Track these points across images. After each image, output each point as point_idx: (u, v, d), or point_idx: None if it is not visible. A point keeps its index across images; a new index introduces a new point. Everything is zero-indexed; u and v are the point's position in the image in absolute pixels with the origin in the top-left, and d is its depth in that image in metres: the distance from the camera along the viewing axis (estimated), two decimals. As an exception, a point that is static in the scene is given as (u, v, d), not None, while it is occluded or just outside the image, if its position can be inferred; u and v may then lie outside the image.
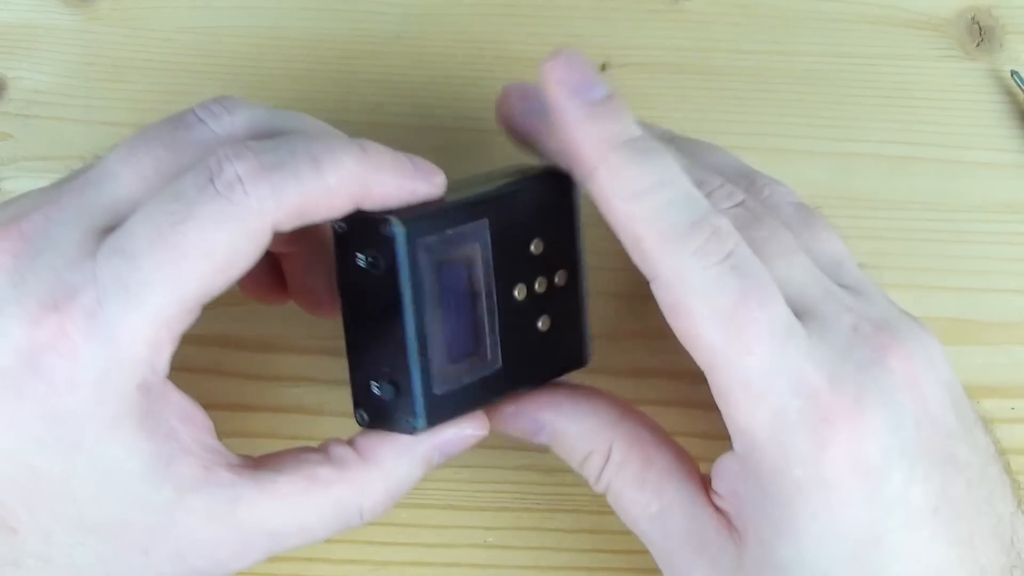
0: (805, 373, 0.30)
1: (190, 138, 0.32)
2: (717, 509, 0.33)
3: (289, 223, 0.30)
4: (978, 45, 0.47)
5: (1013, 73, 0.46)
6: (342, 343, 0.41)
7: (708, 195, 0.33)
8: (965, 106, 0.46)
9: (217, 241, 0.30)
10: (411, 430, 0.32)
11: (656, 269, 0.31)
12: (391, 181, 0.32)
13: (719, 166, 0.36)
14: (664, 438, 0.35)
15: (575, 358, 0.37)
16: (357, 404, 0.33)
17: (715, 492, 0.33)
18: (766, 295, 0.30)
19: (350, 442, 0.34)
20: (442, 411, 0.33)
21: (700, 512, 0.33)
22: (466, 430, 0.34)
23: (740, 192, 0.34)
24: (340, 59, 0.46)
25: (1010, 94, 0.46)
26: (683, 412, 0.40)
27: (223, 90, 0.46)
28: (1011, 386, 0.42)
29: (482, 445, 0.40)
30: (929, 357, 0.32)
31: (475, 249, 0.33)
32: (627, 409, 0.35)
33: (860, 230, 0.41)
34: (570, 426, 0.35)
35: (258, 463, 0.33)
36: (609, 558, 0.38)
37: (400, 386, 0.32)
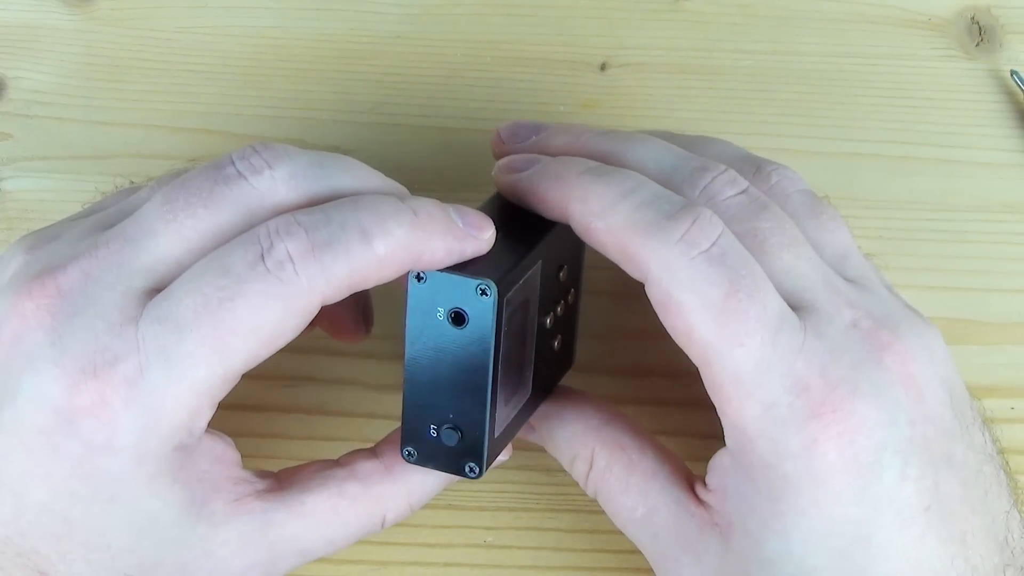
0: (797, 367, 0.30)
1: (230, 195, 0.31)
2: (703, 505, 0.33)
3: (338, 295, 0.30)
4: (978, 45, 0.47)
5: (1013, 73, 0.46)
6: (342, 343, 0.41)
7: (711, 181, 0.33)
8: (965, 106, 0.46)
9: (265, 319, 0.29)
10: (472, 475, 0.33)
11: (645, 267, 0.31)
12: (442, 246, 0.31)
13: (722, 155, 0.36)
14: (647, 441, 0.35)
15: (568, 362, 0.37)
16: (407, 442, 0.33)
17: (706, 488, 0.33)
18: (756, 286, 0.30)
19: (375, 451, 0.34)
20: (495, 452, 0.34)
21: (683, 510, 0.33)
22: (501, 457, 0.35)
23: (744, 179, 0.34)
24: (340, 59, 0.46)
25: (1010, 94, 0.46)
26: (682, 412, 0.40)
27: (223, 90, 0.46)
28: (1011, 386, 0.42)
29: (482, 445, 0.40)
30: (929, 354, 0.32)
31: (531, 293, 0.33)
32: (611, 414, 0.35)
33: (860, 230, 0.40)
34: (555, 430, 0.36)
35: (284, 483, 0.33)
36: (609, 558, 0.38)
37: (465, 434, 0.32)
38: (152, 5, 0.47)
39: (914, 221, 0.44)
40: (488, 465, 0.33)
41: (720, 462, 0.32)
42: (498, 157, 0.36)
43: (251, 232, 0.30)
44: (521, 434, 0.36)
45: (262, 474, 0.33)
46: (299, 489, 0.33)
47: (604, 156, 0.34)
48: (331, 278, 0.30)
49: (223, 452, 0.32)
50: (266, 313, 0.29)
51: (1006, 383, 0.42)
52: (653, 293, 0.31)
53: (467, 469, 0.33)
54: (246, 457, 0.39)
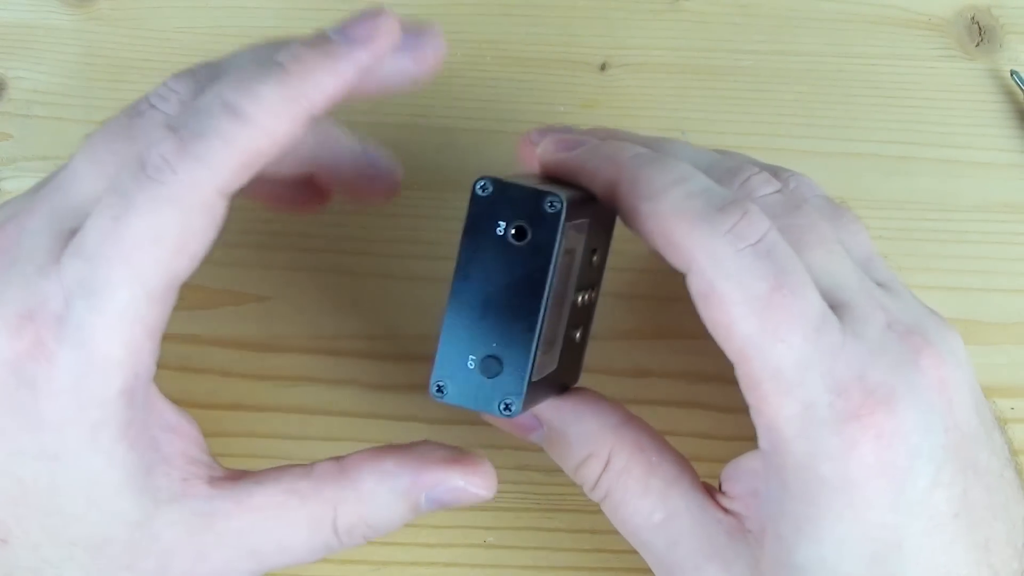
0: (838, 368, 0.30)
1: (143, 125, 0.31)
2: (727, 513, 0.32)
3: (239, 180, 0.29)
4: (978, 45, 0.47)
5: (1013, 73, 0.46)
6: (342, 343, 0.41)
7: (745, 180, 0.33)
8: (965, 106, 0.46)
9: (162, 226, 0.29)
10: (507, 411, 0.31)
11: (690, 256, 0.30)
12: (330, 80, 0.30)
13: (741, 162, 0.35)
14: (665, 445, 0.34)
15: (575, 375, 0.37)
16: (440, 375, 0.31)
17: (726, 495, 0.32)
18: (801, 282, 0.30)
19: (340, 458, 0.33)
20: (530, 400, 0.32)
21: (710, 517, 0.32)
22: (473, 486, 0.32)
23: (776, 181, 0.33)
24: (340, 59, 0.46)
25: (1010, 94, 0.46)
26: (683, 412, 0.40)
27: (223, 90, 0.46)
28: (1011, 386, 0.42)
29: (482, 445, 0.40)
30: (957, 360, 0.31)
31: (578, 245, 0.33)
32: (628, 415, 0.35)
33: (860, 230, 0.41)
34: (569, 427, 0.34)
35: (240, 477, 0.32)
36: (609, 558, 0.38)
37: (505, 364, 0.31)
38: (152, 5, 0.47)
39: (914, 221, 0.44)
40: (525, 406, 0.31)
41: (748, 466, 0.32)
42: (527, 157, 0.36)
43: (131, 146, 0.30)
44: (523, 433, 0.35)
45: (227, 469, 0.32)
46: (252, 482, 0.32)
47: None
48: (214, 166, 0.29)
49: (179, 425, 0.31)
50: (160, 220, 0.29)
51: (1006, 383, 0.42)
52: (695, 283, 0.30)
53: (501, 406, 0.31)
54: (246, 457, 0.39)
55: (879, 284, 0.33)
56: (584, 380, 0.38)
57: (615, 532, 0.35)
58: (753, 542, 0.31)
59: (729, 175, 0.33)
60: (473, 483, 0.32)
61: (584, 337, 0.36)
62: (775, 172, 0.35)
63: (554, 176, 0.34)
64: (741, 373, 0.30)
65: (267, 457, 0.39)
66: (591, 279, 0.35)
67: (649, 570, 0.34)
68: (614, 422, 0.34)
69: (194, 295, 0.42)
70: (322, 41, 0.31)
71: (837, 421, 0.29)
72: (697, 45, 0.47)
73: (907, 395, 0.30)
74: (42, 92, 0.46)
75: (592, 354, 0.38)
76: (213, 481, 0.31)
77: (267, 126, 0.29)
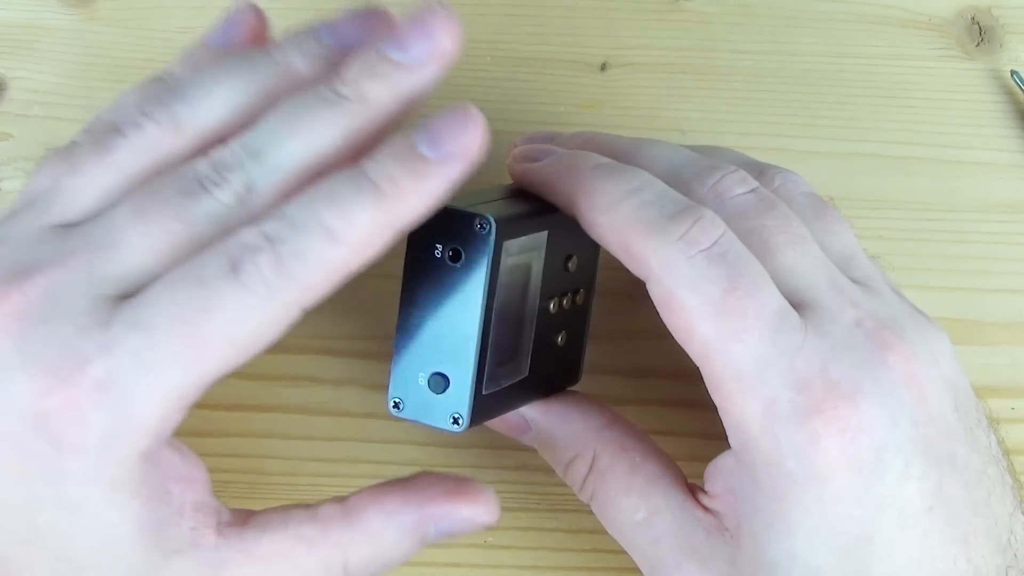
0: (798, 365, 0.30)
1: (201, 212, 0.30)
2: (707, 511, 0.33)
3: (322, 293, 0.30)
4: (978, 45, 0.47)
5: (1013, 73, 0.46)
6: (342, 343, 0.41)
7: (717, 181, 0.33)
8: (965, 106, 0.46)
9: (241, 330, 0.29)
10: (454, 426, 0.33)
11: (646, 266, 0.31)
12: (419, 201, 0.29)
13: (729, 160, 0.36)
14: (649, 446, 0.35)
15: (573, 376, 0.37)
16: (395, 391, 0.33)
17: (707, 494, 0.33)
18: (755, 283, 0.31)
19: (343, 499, 0.33)
20: (482, 413, 0.33)
21: (689, 516, 0.33)
22: (478, 515, 0.32)
23: (753, 180, 0.34)
24: (340, 59, 0.46)
25: (1010, 94, 0.46)
26: (683, 412, 0.40)
27: (223, 90, 0.46)
28: (1011, 386, 0.42)
29: (482, 445, 0.40)
30: (933, 356, 0.32)
31: (534, 258, 0.34)
32: (613, 416, 0.35)
33: (860, 230, 0.40)
34: (555, 428, 0.35)
35: (247, 521, 0.32)
36: (609, 558, 0.38)
37: (451, 380, 0.32)
38: (152, 5, 0.47)
39: (914, 221, 0.44)
40: (473, 420, 0.33)
41: (724, 465, 0.32)
42: (519, 173, 0.36)
43: (222, 244, 0.29)
44: (515, 434, 0.36)
45: (232, 510, 0.32)
46: (258, 528, 0.31)
47: (617, 154, 0.35)
48: (304, 285, 0.29)
49: (189, 472, 0.31)
50: (242, 324, 0.29)
51: (1006, 383, 0.42)
52: (654, 291, 0.31)
53: (450, 419, 0.33)
54: (246, 457, 0.39)
55: (856, 282, 0.33)
56: (586, 380, 0.38)
57: (615, 532, 0.35)
58: (730, 540, 0.32)
59: (700, 177, 0.34)
60: (478, 512, 0.32)
61: (577, 339, 0.37)
62: (762, 170, 0.36)
63: (525, 187, 0.35)
64: (705, 375, 0.31)
65: (267, 457, 0.39)
66: (569, 284, 0.36)
67: (649, 570, 0.34)
68: (599, 423, 0.35)
69: (194, 295, 0.42)
70: (414, 157, 0.29)
71: (799, 416, 0.30)
72: (697, 45, 0.47)
73: (872, 389, 0.30)
74: (42, 92, 0.45)
75: (592, 354, 0.38)
76: (220, 528, 0.31)
77: (361, 249, 0.29)
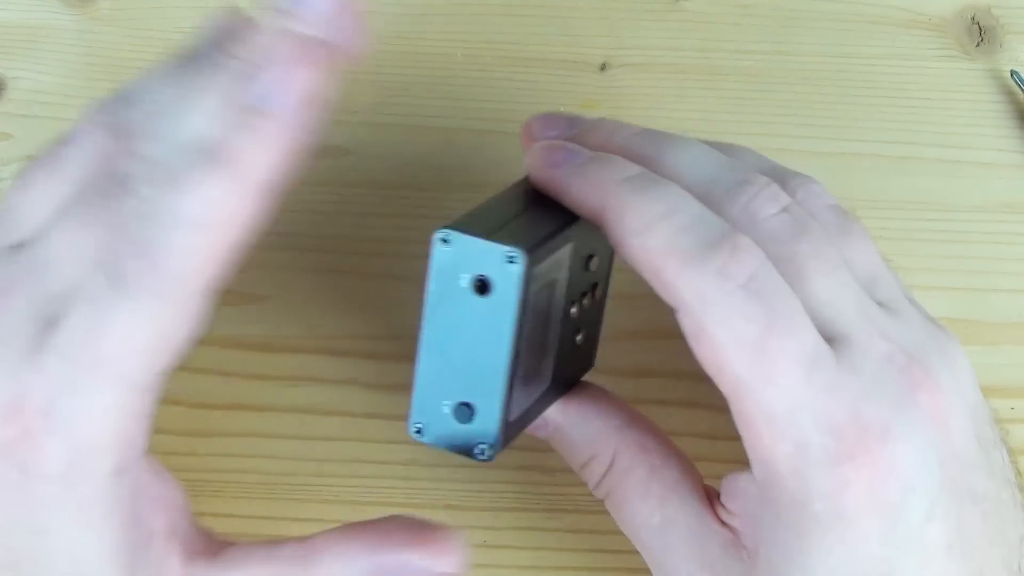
0: (831, 408, 0.29)
1: (119, 212, 0.29)
2: (724, 525, 0.32)
3: (212, 273, 0.28)
4: (978, 45, 0.47)
5: (1013, 73, 0.46)
6: (342, 343, 0.41)
7: (750, 200, 0.32)
8: (965, 106, 0.46)
9: (139, 335, 0.28)
10: (482, 458, 0.31)
11: (679, 296, 0.30)
12: (269, 162, 0.28)
13: (750, 166, 0.35)
14: (669, 448, 0.34)
15: (589, 361, 0.37)
16: (417, 417, 0.32)
17: (725, 508, 0.32)
18: (793, 323, 0.29)
19: (305, 539, 0.32)
20: (508, 437, 0.32)
21: (705, 528, 0.32)
22: (435, 566, 0.31)
23: (785, 194, 0.33)
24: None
25: (1010, 94, 0.46)
26: (683, 412, 0.40)
27: (223, 90, 0.46)
28: (1011, 386, 0.42)
29: (482, 445, 0.40)
30: (957, 384, 0.31)
31: (560, 274, 0.33)
32: (634, 415, 0.35)
33: (860, 230, 0.41)
34: (574, 429, 0.34)
35: (216, 554, 0.31)
36: (609, 558, 0.38)
37: (477, 411, 0.31)
38: (152, 5, 0.47)
39: (914, 221, 0.44)
40: (501, 449, 0.32)
41: (745, 489, 0.32)
42: (530, 154, 0.35)
43: (104, 253, 0.29)
44: (531, 430, 0.35)
45: (205, 535, 0.32)
46: (222, 565, 0.31)
47: (643, 157, 0.33)
48: (183, 276, 0.28)
49: (164, 496, 0.31)
50: (136, 330, 0.28)
51: (1006, 383, 0.42)
52: (685, 323, 0.30)
53: (477, 451, 0.31)
54: (246, 457, 0.39)
55: (881, 304, 0.32)
56: (586, 379, 0.38)
57: (615, 532, 0.35)
58: (747, 559, 0.31)
59: (732, 194, 0.32)
60: (436, 563, 0.31)
61: (594, 330, 0.36)
62: (784, 178, 0.34)
63: (545, 191, 0.33)
64: (734, 410, 0.30)
65: (267, 457, 0.39)
66: (589, 283, 0.35)
67: (648, 571, 0.34)
68: (618, 423, 0.34)
69: (194, 295, 0.42)
70: (248, 117, 0.28)
71: (830, 462, 0.29)
72: (697, 45, 0.47)
73: (903, 431, 0.30)
74: (42, 92, 0.46)
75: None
76: (187, 560, 0.31)
77: (226, 221, 0.28)
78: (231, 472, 0.39)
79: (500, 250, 0.30)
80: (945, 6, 0.48)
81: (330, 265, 0.43)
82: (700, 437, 0.38)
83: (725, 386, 0.30)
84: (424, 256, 0.43)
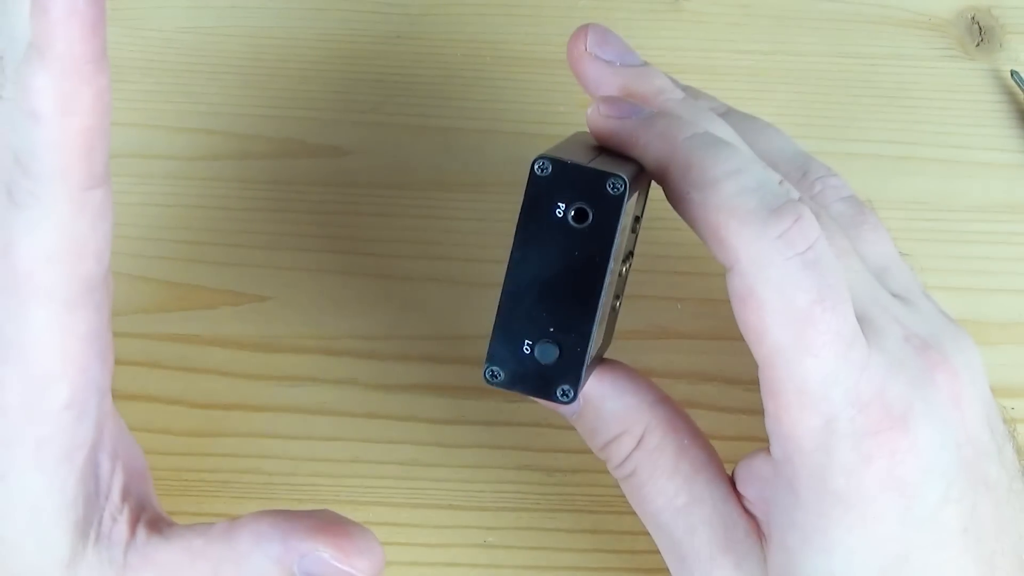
0: (861, 384, 0.29)
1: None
2: (746, 513, 0.32)
3: (90, 167, 0.28)
4: (978, 45, 0.47)
5: (1013, 73, 0.46)
6: (342, 343, 0.41)
7: (815, 181, 0.33)
8: (965, 106, 0.46)
9: (45, 244, 0.29)
10: (565, 400, 0.30)
11: (735, 255, 0.29)
12: (76, 38, 0.27)
13: (774, 151, 0.35)
14: (696, 429, 0.34)
15: (608, 343, 0.36)
16: (494, 361, 0.30)
17: (742, 496, 0.32)
18: (841, 297, 0.29)
19: (235, 518, 0.32)
20: (584, 382, 0.31)
21: (731, 511, 0.32)
22: (345, 559, 0.31)
23: (795, 189, 0.33)
24: (341, 59, 0.46)
25: (1010, 94, 0.46)
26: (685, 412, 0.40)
27: (224, 90, 0.46)
28: (1011, 386, 0.42)
29: (482, 445, 0.40)
30: (972, 374, 0.31)
31: (629, 219, 0.32)
32: (663, 393, 0.34)
33: (860, 230, 0.41)
34: (607, 402, 0.33)
35: (160, 529, 0.31)
36: (610, 558, 0.38)
37: (563, 350, 0.30)
38: (152, 5, 0.47)
39: (914, 221, 0.44)
40: (580, 390, 0.31)
41: (758, 472, 0.32)
42: (576, 62, 0.35)
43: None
44: (551, 405, 0.33)
45: (152, 507, 0.32)
46: (164, 537, 0.31)
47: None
48: (54, 173, 0.28)
49: (127, 455, 0.31)
50: (41, 238, 0.29)
51: (1006, 383, 0.42)
52: (735, 283, 0.30)
53: (559, 393, 0.30)
54: (246, 457, 0.39)
55: (895, 295, 0.32)
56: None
57: (616, 532, 0.35)
58: (765, 545, 0.31)
59: (800, 172, 0.33)
60: (344, 560, 0.30)
61: (619, 305, 0.36)
62: (806, 171, 0.35)
63: (605, 142, 0.33)
64: (765, 378, 0.30)
65: (267, 457, 0.39)
66: (631, 247, 0.34)
67: (648, 571, 0.34)
68: (652, 399, 0.33)
69: (194, 295, 0.42)
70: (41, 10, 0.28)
71: (856, 436, 0.29)
72: (697, 45, 0.47)
73: (923, 411, 0.30)
74: (42, 92, 0.45)
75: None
76: (134, 528, 0.31)
77: (70, 107, 0.28)
78: (231, 472, 0.39)
79: (603, 176, 0.29)
80: (945, 6, 0.48)
81: (330, 265, 0.43)
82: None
83: (763, 353, 0.30)
84: (426, 256, 0.43)
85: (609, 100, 0.33)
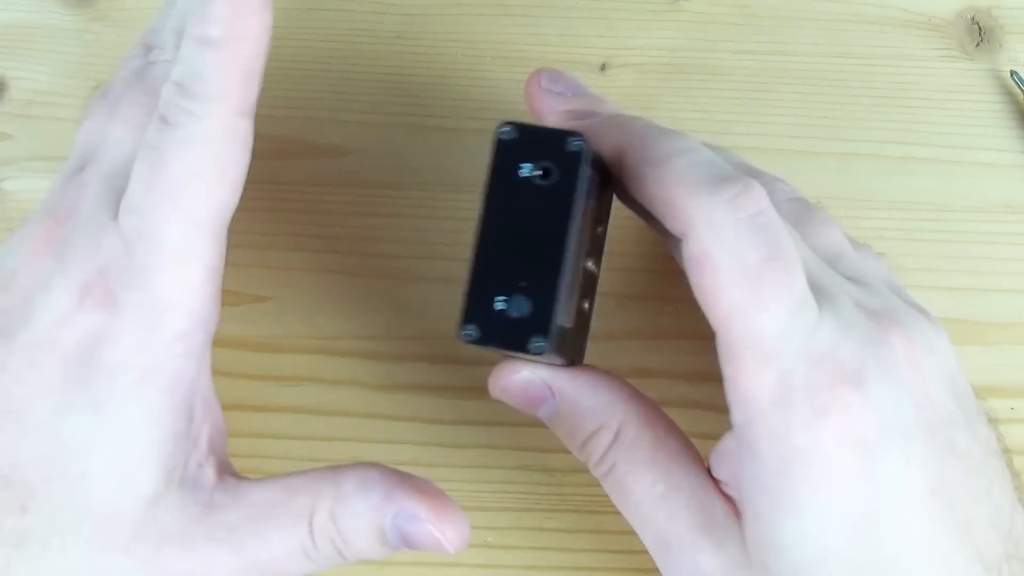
0: (815, 340, 0.30)
1: (153, 79, 0.34)
2: (723, 495, 0.33)
3: (245, 94, 0.32)
4: (978, 45, 0.47)
5: (1013, 73, 0.46)
6: (342, 343, 0.41)
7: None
8: (965, 106, 0.46)
9: (194, 161, 0.31)
10: (538, 350, 0.31)
11: (688, 221, 0.31)
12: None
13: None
14: (670, 422, 0.35)
15: (581, 354, 0.37)
16: (469, 320, 0.32)
17: (718, 480, 0.33)
18: (792, 258, 0.31)
19: (342, 464, 0.33)
20: (559, 340, 0.32)
21: (708, 495, 0.33)
22: (436, 525, 0.33)
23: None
24: (340, 59, 0.46)
25: (1010, 94, 0.46)
26: (683, 412, 0.40)
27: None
28: (1011, 386, 0.42)
29: (482, 445, 0.40)
30: (930, 345, 0.32)
31: (591, 201, 0.33)
32: (635, 390, 0.35)
33: (860, 230, 0.41)
34: (583, 398, 0.35)
35: (246, 480, 0.33)
36: (609, 558, 0.38)
37: (534, 302, 0.31)
38: (152, 5, 0.47)
39: (914, 221, 0.44)
40: (553, 348, 0.32)
41: (724, 449, 0.32)
42: (533, 98, 0.37)
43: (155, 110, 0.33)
44: (534, 406, 0.35)
45: (232, 468, 0.33)
46: (254, 483, 0.33)
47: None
48: (216, 95, 0.32)
49: (214, 407, 0.33)
50: (191, 156, 0.32)
51: (1006, 383, 0.42)
52: (690, 248, 0.31)
53: (532, 344, 0.31)
54: (246, 457, 0.39)
55: (848, 279, 0.34)
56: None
57: (615, 532, 0.35)
58: (741, 524, 0.32)
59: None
60: (437, 526, 0.33)
61: (590, 310, 0.36)
62: (754, 176, 0.35)
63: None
64: (722, 342, 0.31)
65: (267, 457, 0.39)
66: (596, 248, 0.35)
67: (648, 571, 0.34)
68: (626, 395, 0.35)
69: (194, 295, 0.42)
70: None
71: (811, 390, 0.30)
72: (697, 45, 0.47)
73: (877, 368, 0.30)
74: (42, 92, 0.46)
75: (592, 354, 0.38)
76: (220, 474, 0.33)
77: (237, 40, 0.32)
78: (231, 472, 0.39)
79: (564, 134, 0.31)
80: (945, 6, 0.48)
81: (330, 265, 0.43)
82: (700, 437, 0.38)
83: (717, 313, 0.31)
84: (426, 256, 0.43)
85: (568, 104, 0.36)
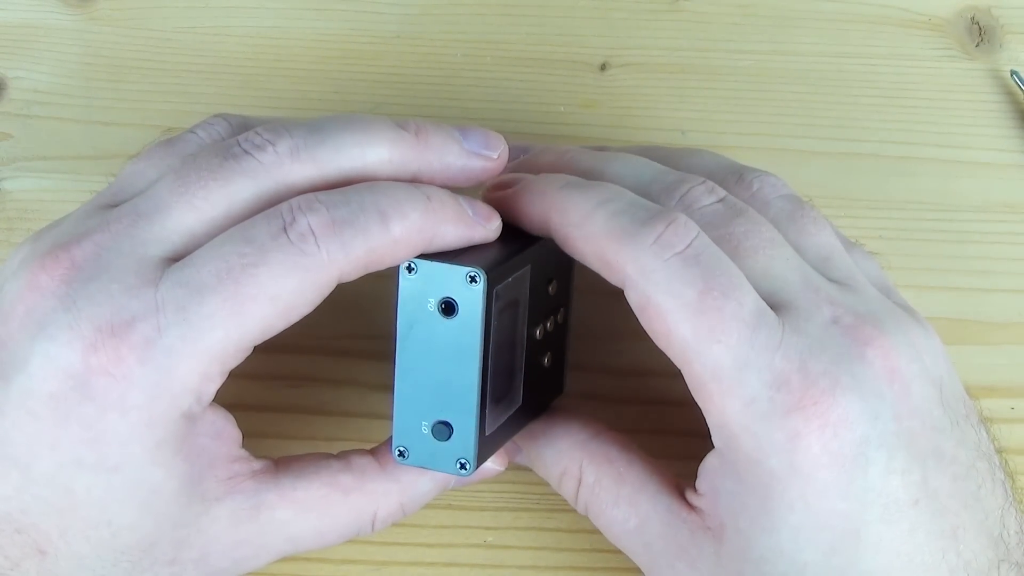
0: (776, 363, 0.30)
1: (238, 168, 0.32)
2: (694, 511, 0.33)
3: (354, 273, 0.31)
4: (978, 45, 0.47)
5: (1013, 73, 0.46)
6: (342, 343, 0.41)
7: (685, 194, 0.33)
8: (965, 106, 0.46)
9: (285, 288, 0.30)
10: (462, 471, 0.33)
11: (622, 273, 0.31)
12: (453, 231, 0.32)
13: (705, 166, 0.36)
14: (635, 454, 0.35)
15: (558, 387, 0.38)
16: (399, 440, 0.33)
17: (696, 491, 0.33)
18: (731, 283, 0.31)
19: (372, 451, 0.35)
20: (485, 452, 0.34)
21: (675, 518, 0.33)
22: (488, 464, 0.35)
23: (722, 189, 0.34)
24: (340, 59, 0.46)
25: (1010, 94, 0.47)
26: (679, 411, 0.40)
27: (223, 90, 0.46)
28: (1011, 386, 0.42)
29: (482, 445, 0.40)
30: (915, 351, 0.32)
31: (521, 295, 0.34)
32: (598, 429, 0.36)
33: (860, 230, 0.41)
34: (543, 448, 0.36)
35: (280, 468, 0.34)
36: (609, 558, 0.38)
37: (455, 428, 0.33)
38: (152, 5, 0.47)
39: (914, 221, 0.44)
40: (478, 463, 0.33)
41: (709, 464, 0.33)
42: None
43: (275, 208, 0.31)
44: (510, 459, 0.37)
45: (261, 458, 0.34)
46: (294, 475, 0.33)
47: (585, 172, 0.35)
48: (350, 254, 0.30)
49: (224, 428, 0.32)
50: (286, 283, 0.30)
51: (1006, 383, 0.42)
52: (632, 297, 0.32)
53: (458, 465, 0.33)
54: (246, 457, 0.39)
55: (835, 281, 0.33)
56: (584, 380, 0.38)
57: (615, 532, 0.35)
58: (712, 538, 0.32)
59: (668, 191, 0.34)
60: (498, 462, 0.36)
61: (560, 354, 0.37)
62: (741, 175, 0.36)
63: (501, 215, 0.35)
64: (686, 377, 0.31)
65: (267, 457, 0.39)
66: (552, 307, 0.36)
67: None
68: (583, 438, 0.35)
69: (194, 295, 0.42)
70: (455, 200, 0.33)
71: (780, 414, 0.30)
72: (697, 45, 0.47)
73: (850, 384, 0.30)
74: (42, 92, 0.46)
75: (592, 354, 0.38)
76: (255, 475, 0.33)
77: (398, 242, 0.31)
78: (231, 472, 0.39)
79: (461, 271, 0.31)
80: (945, 6, 0.48)
81: (330, 265, 0.42)
82: (700, 437, 0.38)
83: (674, 353, 0.31)
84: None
85: (495, 180, 0.36)
